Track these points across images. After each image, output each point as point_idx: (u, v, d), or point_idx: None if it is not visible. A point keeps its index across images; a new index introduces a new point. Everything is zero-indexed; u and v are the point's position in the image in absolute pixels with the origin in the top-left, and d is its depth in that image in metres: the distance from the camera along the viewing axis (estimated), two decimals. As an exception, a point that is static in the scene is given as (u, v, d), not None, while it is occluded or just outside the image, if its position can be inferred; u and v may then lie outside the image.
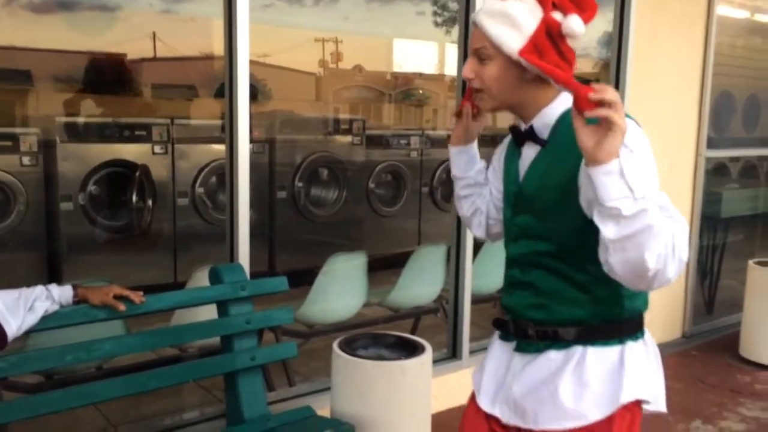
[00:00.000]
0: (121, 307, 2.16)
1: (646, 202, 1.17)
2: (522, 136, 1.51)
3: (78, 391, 2.22)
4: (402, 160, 6.01)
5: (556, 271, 1.46)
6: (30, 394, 2.53)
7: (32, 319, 1.99)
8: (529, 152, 1.50)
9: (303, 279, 3.52)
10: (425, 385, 2.50)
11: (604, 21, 3.96)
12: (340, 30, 7.11)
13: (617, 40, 3.92)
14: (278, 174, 5.24)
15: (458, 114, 1.68)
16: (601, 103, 1.16)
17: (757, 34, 5.27)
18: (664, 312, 4.47)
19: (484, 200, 1.74)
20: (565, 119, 1.40)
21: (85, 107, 5.23)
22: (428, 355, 2.49)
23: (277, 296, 2.85)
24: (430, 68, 8.91)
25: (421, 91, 9.05)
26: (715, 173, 4.95)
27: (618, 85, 3.95)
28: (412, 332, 3.72)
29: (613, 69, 3.97)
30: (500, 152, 1.68)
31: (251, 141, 5.39)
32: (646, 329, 1.51)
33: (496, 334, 1.64)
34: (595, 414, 1.42)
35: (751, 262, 4.23)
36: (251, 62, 2.71)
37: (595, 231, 1.25)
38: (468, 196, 1.75)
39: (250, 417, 2.39)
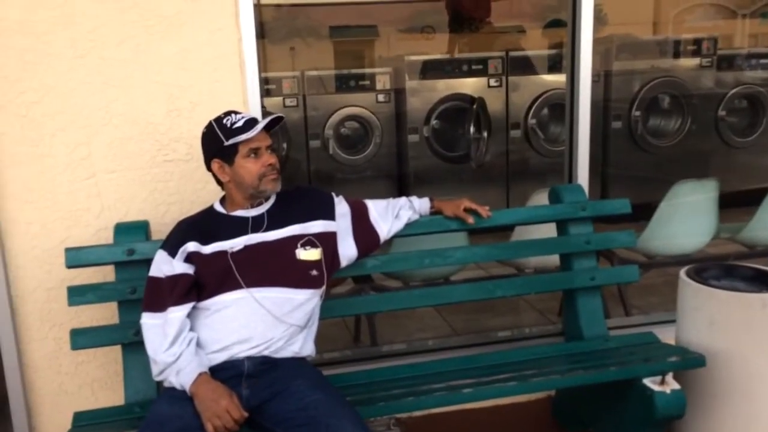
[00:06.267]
0: (470, 219, 2.32)
1: None
2: None
3: (433, 291, 2.51)
4: (760, 83, 5.23)
5: None
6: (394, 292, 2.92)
7: (398, 225, 2.26)
8: None
9: (639, 214, 3.34)
10: (792, 325, 2.21)
11: None
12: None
13: None
14: (614, 102, 5.00)
15: None
16: None
17: None
18: None
19: None
20: None
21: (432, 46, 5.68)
22: (798, 291, 2.19)
23: (611, 227, 2.79)
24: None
25: (786, 6, 7.65)
26: None
27: None
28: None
29: None
30: None
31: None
32: None
33: None
34: None
35: None
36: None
37: None
38: None
39: (589, 335, 2.42)
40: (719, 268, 2.42)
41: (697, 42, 5.21)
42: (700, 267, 2.42)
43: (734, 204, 3.65)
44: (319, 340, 2.10)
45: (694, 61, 5.17)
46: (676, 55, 5.29)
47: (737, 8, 7.44)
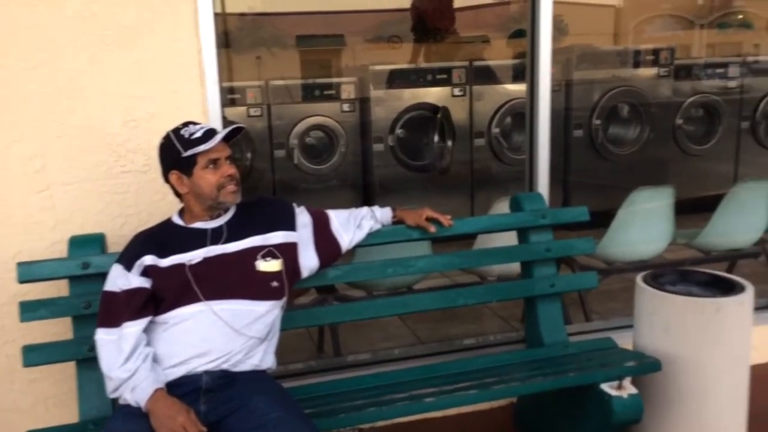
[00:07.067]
0: (432, 228, 2.33)
1: None
2: None
3: (396, 301, 2.51)
4: (717, 92, 5.38)
5: None
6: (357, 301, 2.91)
7: (360, 235, 2.26)
8: None
9: (600, 220, 3.41)
10: (744, 329, 2.27)
11: None
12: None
13: None
14: (575, 111, 5.09)
15: None
16: None
17: None
18: None
19: None
20: None
21: (399, 55, 5.71)
22: (749, 295, 2.25)
23: (572, 234, 2.83)
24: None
25: (741, 16, 7.89)
26: None
27: None
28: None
29: None
30: None
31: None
32: None
33: None
34: None
35: None
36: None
37: None
38: None
39: (549, 342, 2.44)
40: (675, 274, 2.47)
41: (656, 52, 5.34)
42: (656, 273, 2.47)
43: (691, 210, 3.74)
44: (283, 351, 2.09)
45: (652, 71, 5.29)
46: (636, 64, 5.41)
47: (695, 18, 7.64)
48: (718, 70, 5.55)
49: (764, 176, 3.44)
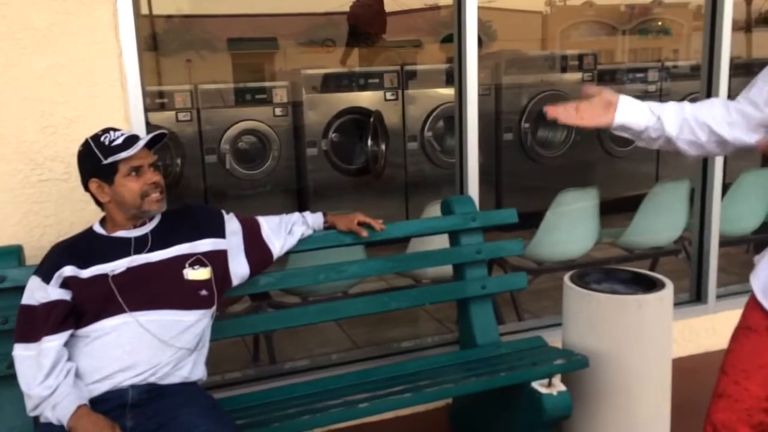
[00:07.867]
0: (364, 233, 2.34)
1: None
2: None
3: (329, 307, 2.50)
4: (638, 96, 5.61)
5: None
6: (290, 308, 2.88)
7: (291, 241, 2.25)
8: None
9: (530, 221, 3.49)
10: (665, 324, 2.37)
11: None
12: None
13: None
14: (504, 115, 5.20)
15: None
16: None
17: None
18: None
19: None
20: None
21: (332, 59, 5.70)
22: (669, 291, 2.35)
23: (505, 235, 2.89)
24: (671, -6, 8.12)
25: (660, 23, 8.26)
26: None
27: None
28: (649, 274, 3.52)
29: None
30: None
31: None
32: None
33: None
34: None
35: None
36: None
37: None
38: None
39: (482, 342, 2.48)
40: (600, 272, 2.56)
41: (580, 57, 5.52)
42: (582, 271, 2.54)
43: (616, 210, 3.88)
44: (219, 361, 2.04)
45: (577, 76, 5.46)
46: (563, 69, 5.57)
47: (618, 25, 7.95)
48: (639, 75, 5.78)
49: (683, 176, 3.59)
